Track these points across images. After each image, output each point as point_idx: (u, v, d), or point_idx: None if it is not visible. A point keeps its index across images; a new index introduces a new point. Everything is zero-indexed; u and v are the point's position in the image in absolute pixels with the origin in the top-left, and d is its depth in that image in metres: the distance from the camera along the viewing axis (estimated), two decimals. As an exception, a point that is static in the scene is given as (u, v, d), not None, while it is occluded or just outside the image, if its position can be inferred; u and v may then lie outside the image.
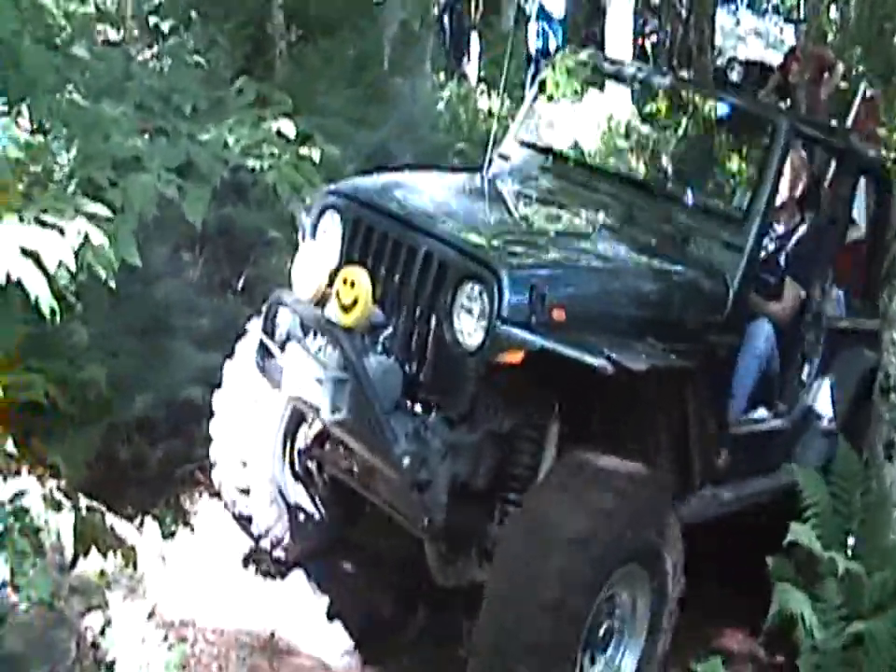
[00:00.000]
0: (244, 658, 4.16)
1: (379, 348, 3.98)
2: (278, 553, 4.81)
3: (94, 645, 3.73)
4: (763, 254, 4.94)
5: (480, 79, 13.33)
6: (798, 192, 5.29)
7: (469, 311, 3.79)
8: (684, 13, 12.96)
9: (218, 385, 4.71)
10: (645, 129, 7.51)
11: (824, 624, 4.16)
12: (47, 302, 3.43)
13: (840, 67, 10.61)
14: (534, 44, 12.78)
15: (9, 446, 4.24)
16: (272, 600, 4.70)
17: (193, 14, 8.66)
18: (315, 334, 4.11)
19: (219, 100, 5.55)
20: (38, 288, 3.40)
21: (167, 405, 5.05)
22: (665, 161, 6.69)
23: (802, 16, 16.00)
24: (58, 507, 3.65)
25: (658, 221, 4.73)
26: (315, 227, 4.45)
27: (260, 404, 4.55)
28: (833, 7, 15.66)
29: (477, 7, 14.81)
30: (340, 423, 3.89)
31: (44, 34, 5.16)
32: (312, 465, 4.70)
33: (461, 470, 3.81)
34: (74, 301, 4.14)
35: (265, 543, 4.79)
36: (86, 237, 3.66)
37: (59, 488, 4.21)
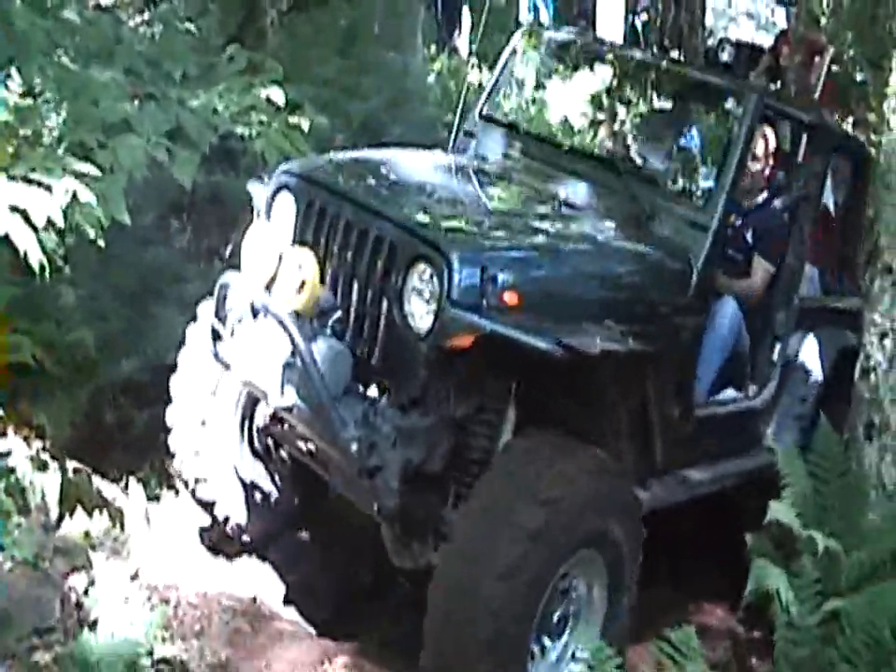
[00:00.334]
0: (226, 621, 4.18)
1: (328, 332, 3.93)
2: (237, 532, 4.75)
3: (78, 605, 3.75)
4: (730, 231, 4.89)
5: (471, 53, 13.29)
6: (767, 168, 5.19)
7: (420, 293, 3.73)
8: (676, -8, 12.91)
9: (173, 370, 4.65)
10: (610, 104, 7.47)
11: (800, 601, 4.19)
12: (36, 258, 3.43)
13: (831, 51, 10.61)
14: (525, 18, 12.75)
15: (-5, 407, 4.25)
16: (254, 565, 4.73)
17: (185, -20, 8.58)
18: (264, 318, 4.03)
19: (210, 66, 5.52)
20: (27, 243, 3.40)
21: (153, 369, 5.05)
22: (629, 137, 6.64)
23: (793, -1, 15.98)
24: (44, 467, 3.67)
25: (622, 200, 4.62)
26: (269, 206, 4.39)
27: (217, 387, 4.49)
28: (825, -9, 15.63)
29: (468, -21, 14.71)
30: (288, 408, 3.87)
31: (34, -4, 5.12)
32: (270, 443, 4.64)
33: (414, 456, 3.71)
34: (62, 263, 4.13)
35: (225, 523, 4.73)
36: (74, 195, 3.66)
37: (45, 449, 4.22)
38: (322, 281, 3.99)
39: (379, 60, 9.71)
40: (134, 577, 4.12)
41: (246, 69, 5.36)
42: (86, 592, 3.83)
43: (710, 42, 14.19)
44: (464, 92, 5.22)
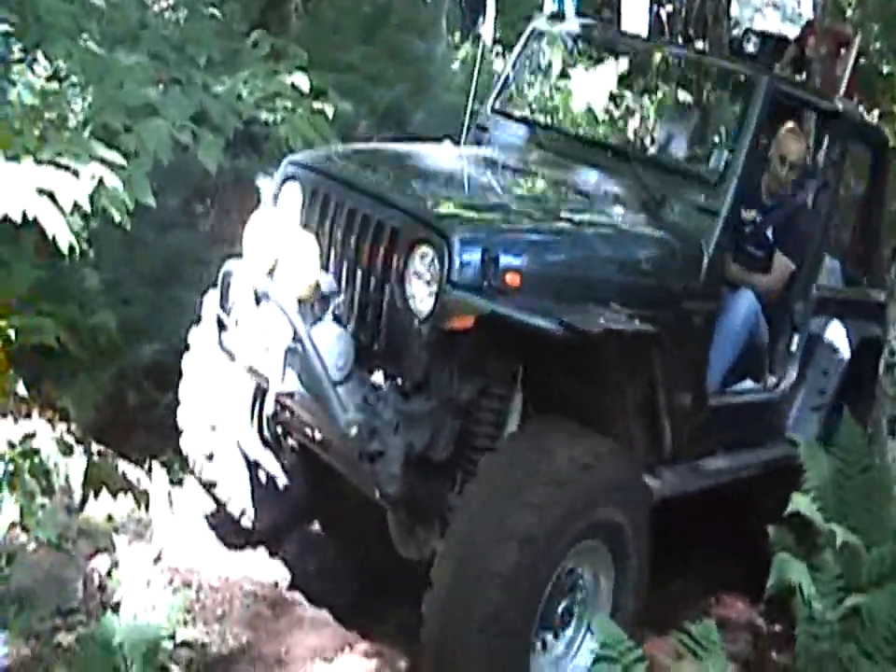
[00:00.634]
0: (247, 606, 4.20)
1: (330, 317, 3.91)
2: (245, 521, 4.70)
3: (101, 587, 3.77)
4: (751, 228, 4.84)
5: (495, 41, 13.23)
6: (801, 176, 5.12)
7: (421, 276, 3.70)
8: (701, -18, 12.85)
9: (186, 349, 4.63)
10: (622, 92, 7.41)
11: (822, 595, 4.17)
12: (65, 239, 3.43)
13: (857, 42, 10.53)
14: (549, 7, 12.67)
15: (20, 389, 4.27)
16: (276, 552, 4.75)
17: (209, -35, 8.59)
18: (267, 304, 4.00)
19: (234, 52, 5.54)
20: (55, 226, 3.41)
21: (176, 352, 5.06)
22: (640, 124, 6.57)
23: (820, -11, 15.86)
24: (68, 450, 3.69)
25: (632, 186, 4.56)
26: (276, 197, 4.39)
27: (228, 370, 4.41)
28: (851, -18, 15.52)
29: (493, -33, 14.66)
30: (289, 394, 3.85)
31: (61, -20, 5.13)
32: (279, 431, 4.57)
33: (416, 441, 3.66)
34: (87, 246, 4.15)
35: (231, 510, 4.67)
36: (100, 181, 3.67)
37: (69, 431, 4.24)
38: (326, 267, 3.97)
39: (403, 46, 9.66)
40: (157, 560, 4.14)
41: (270, 55, 5.37)
42: (109, 574, 3.86)
43: (735, 32, 14.13)
44: (474, 86, 5.12)
